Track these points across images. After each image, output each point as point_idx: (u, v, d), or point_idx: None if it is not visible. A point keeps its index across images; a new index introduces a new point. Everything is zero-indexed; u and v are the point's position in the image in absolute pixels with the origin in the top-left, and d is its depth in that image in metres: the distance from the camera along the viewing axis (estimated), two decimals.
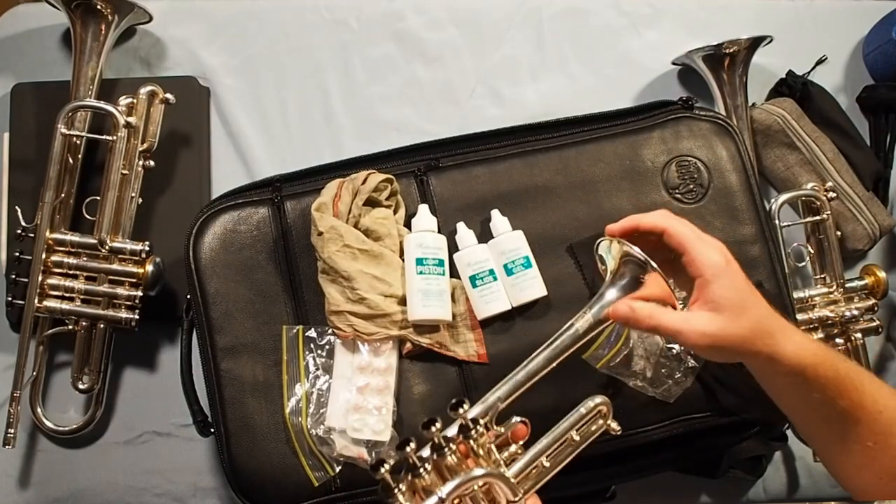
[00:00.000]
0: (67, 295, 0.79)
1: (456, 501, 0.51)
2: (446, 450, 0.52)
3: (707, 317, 0.58)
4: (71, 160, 0.83)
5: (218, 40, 0.95)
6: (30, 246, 0.79)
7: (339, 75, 0.95)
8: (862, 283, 0.86)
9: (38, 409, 0.84)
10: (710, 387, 0.71)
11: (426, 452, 0.52)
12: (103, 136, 0.81)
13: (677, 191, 0.77)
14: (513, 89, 0.95)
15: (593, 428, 0.61)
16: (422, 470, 0.51)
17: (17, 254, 0.80)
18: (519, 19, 0.97)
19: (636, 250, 0.60)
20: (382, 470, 0.51)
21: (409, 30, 0.95)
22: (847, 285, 0.85)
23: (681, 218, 0.63)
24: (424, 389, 0.72)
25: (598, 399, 0.60)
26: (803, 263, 0.88)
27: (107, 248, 0.79)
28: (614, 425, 0.61)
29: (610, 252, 0.63)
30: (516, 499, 0.54)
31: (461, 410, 0.53)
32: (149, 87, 0.82)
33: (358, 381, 0.70)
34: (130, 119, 0.80)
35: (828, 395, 0.58)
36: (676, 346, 0.70)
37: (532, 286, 0.72)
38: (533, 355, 0.60)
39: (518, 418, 0.57)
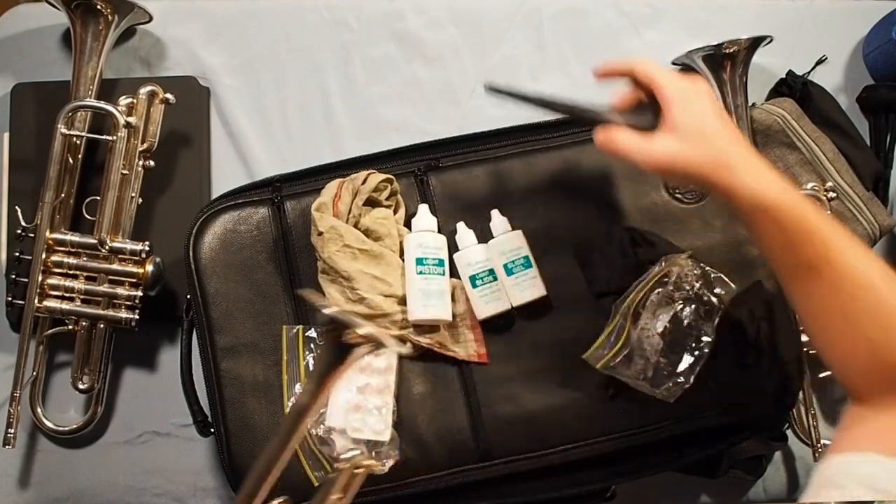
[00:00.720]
0: (67, 295, 0.79)
1: None
2: None
3: (661, 140, 0.58)
4: (71, 160, 0.82)
5: (218, 40, 0.94)
6: (30, 246, 0.79)
7: (339, 75, 0.95)
8: None
9: (38, 409, 0.84)
10: (710, 387, 0.71)
11: None
12: (103, 136, 0.81)
13: (677, 191, 0.77)
14: None
15: (355, 483, 0.57)
16: None
17: (17, 254, 0.80)
18: (519, 19, 0.97)
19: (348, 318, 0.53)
20: None
21: (409, 30, 0.95)
22: None
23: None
24: (424, 389, 0.72)
25: (351, 454, 0.58)
26: None
27: (107, 248, 0.79)
28: (375, 466, 0.57)
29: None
30: None
31: None
32: (149, 87, 0.82)
33: (358, 380, 0.70)
34: (130, 119, 0.80)
35: (791, 241, 0.57)
36: (676, 346, 0.70)
37: (532, 286, 0.72)
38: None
39: (279, 499, 0.55)
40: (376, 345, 0.52)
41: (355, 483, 0.56)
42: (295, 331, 0.72)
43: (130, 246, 0.79)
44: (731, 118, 0.60)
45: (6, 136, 0.87)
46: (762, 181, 0.57)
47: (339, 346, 0.52)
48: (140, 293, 0.79)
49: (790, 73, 0.94)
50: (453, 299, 0.72)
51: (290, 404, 0.54)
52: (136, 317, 0.80)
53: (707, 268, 0.72)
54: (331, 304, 0.54)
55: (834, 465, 0.52)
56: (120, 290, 0.79)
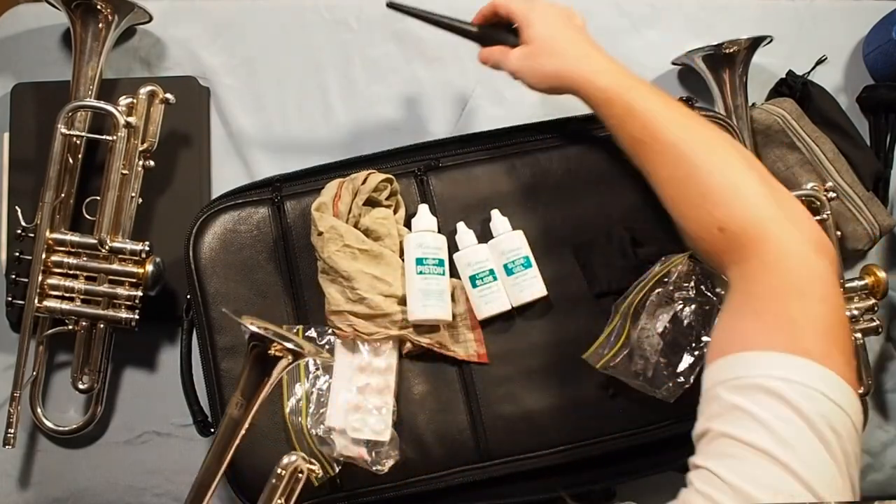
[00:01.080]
0: (67, 295, 0.79)
1: None
2: None
3: (518, 52, 0.72)
4: (71, 160, 0.82)
5: (218, 40, 0.94)
6: (30, 246, 0.79)
7: (339, 75, 0.95)
8: (862, 283, 0.86)
9: (38, 409, 0.84)
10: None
11: None
12: (103, 136, 0.81)
13: None
14: (513, 89, 0.95)
15: (298, 487, 0.59)
16: None
17: (17, 254, 0.80)
18: None
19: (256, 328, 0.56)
20: None
21: (409, 30, 0.95)
22: (847, 285, 0.85)
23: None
24: (424, 389, 0.72)
25: (291, 458, 0.58)
26: None
27: (107, 248, 0.79)
28: (314, 472, 0.59)
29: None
30: None
31: None
32: (149, 87, 0.82)
33: (358, 381, 0.70)
34: (130, 119, 0.80)
35: (622, 119, 0.67)
36: (676, 346, 0.70)
37: (532, 286, 0.72)
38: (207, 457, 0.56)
39: None
40: (296, 356, 0.55)
41: (298, 487, 0.58)
42: (295, 331, 0.72)
43: (130, 246, 0.79)
44: (583, 28, 0.73)
45: (6, 136, 0.87)
46: (597, 73, 0.68)
47: (264, 360, 0.55)
48: (140, 293, 0.79)
49: (790, 73, 0.94)
50: (453, 299, 0.72)
51: (234, 412, 0.56)
52: (136, 317, 0.80)
53: (707, 268, 0.72)
54: (251, 322, 0.56)
55: (708, 377, 0.54)
56: (120, 290, 0.79)
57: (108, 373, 0.85)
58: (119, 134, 0.79)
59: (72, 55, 0.85)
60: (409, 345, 0.71)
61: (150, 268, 0.79)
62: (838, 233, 0.87)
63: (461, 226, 0.74)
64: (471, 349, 0.72)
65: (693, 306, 0.71)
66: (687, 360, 0.70)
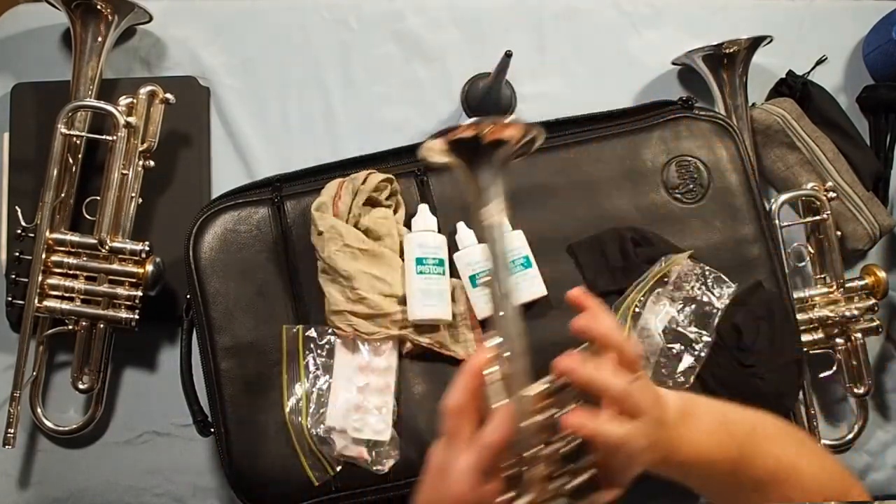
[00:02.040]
0: (67, 295, 0.79)
1: None
2: None
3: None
4: (71, 160, 0.82)
5: (218, 40, 0.94)
6: (30, 246, 0.79)
7: (339, 75, 0.94)
8: (862, 283, 0.86)
9: (38, 409, 0.84)
10: (710, 387, 0.71)
11: None
12: (103, 136, 0.81)
13: (677, 191, 0.77)
14: None
15: None
16: None
17: (17, 254, 0.80)
18: (519, 19, 0.97)
19: None
20: None
21: (409, 30, 0.95)
22: (847, 285, 0.85)
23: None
24: (424, 389, 0.72)
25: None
26: (803, 263, 0.88)
27: (107, 248, 0.79)
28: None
29: None
30: None
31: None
32: (149, 87, 0.82)
33: (358, 380, 0.70)
34: (130, 119, 0.80)
35: (733, 477, 0.55)
36: (676, 346, 0.70)
37: (532, 286, 0.72)
38: None
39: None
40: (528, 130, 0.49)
41: None
42: (295, 330, 0.72)
43: (130, 246, 0.79)
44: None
45: (6, 136, 0.87)
46: (688, 450, 0.56)
47: (478, 157, 0.49)
48: (140, 293, 0.79)
49: (790, 73, 0.94)
50: (453, 299, 0.72)
51: (494, 219, 0.50)
52: (136, 317, 0.80)
53: (707, 268, 0.72)
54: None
55: None
56: (120, 290, 0.79)
57: (108, 373, 0.85)
58: (119, 134, 0.79)
59: (72, 55, 0.85)
60: (409, 345, 0.71)
61: (150, 268, 0.79)
62: (838, 233, 0.87)
63: (461, 226, 0.74)
64: (471, 349, 0.72)
65: (693, 306, 0.71)
66: (687, 360, 0.70)
